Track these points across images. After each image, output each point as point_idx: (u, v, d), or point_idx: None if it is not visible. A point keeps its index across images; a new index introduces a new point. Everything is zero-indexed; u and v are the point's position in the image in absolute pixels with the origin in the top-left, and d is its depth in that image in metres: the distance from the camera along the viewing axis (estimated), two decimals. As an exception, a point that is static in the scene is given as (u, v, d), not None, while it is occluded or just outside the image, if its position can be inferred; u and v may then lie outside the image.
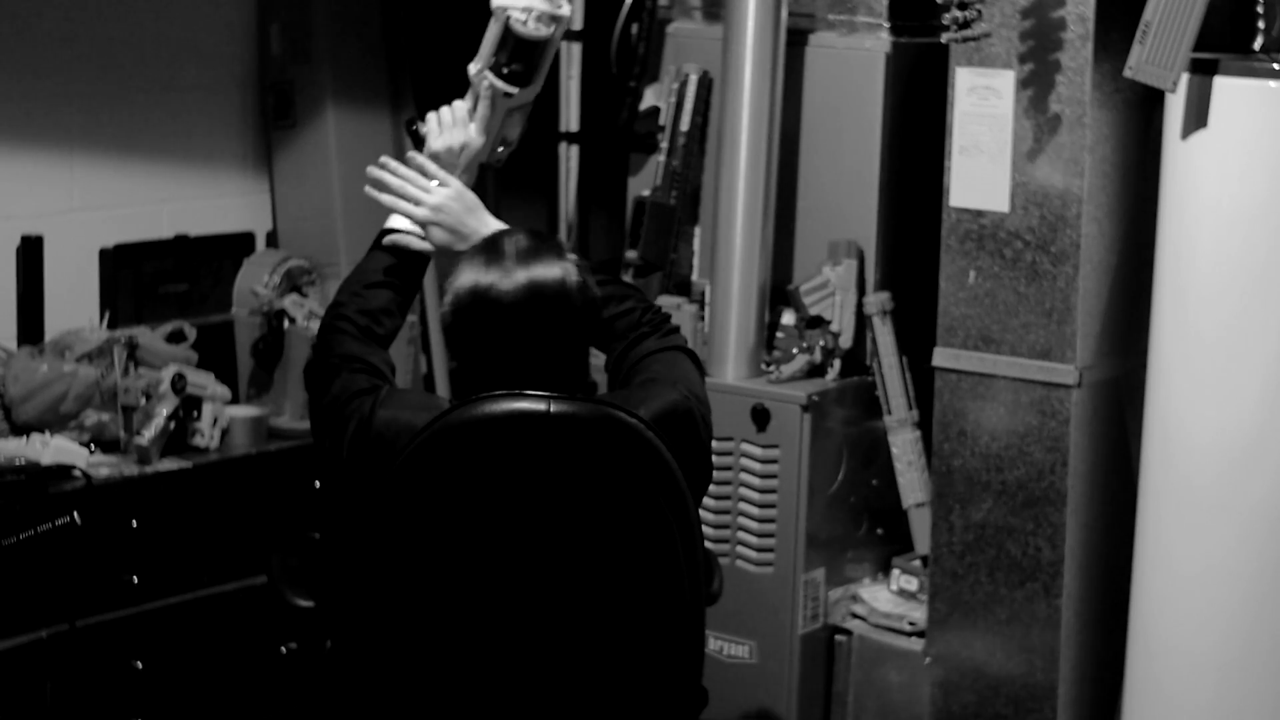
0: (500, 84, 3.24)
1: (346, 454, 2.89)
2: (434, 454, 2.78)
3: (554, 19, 3.21)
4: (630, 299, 3.20)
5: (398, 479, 2.79)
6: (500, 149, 3.30)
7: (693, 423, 2.94)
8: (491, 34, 3.24)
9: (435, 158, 3.21)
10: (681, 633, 2.91)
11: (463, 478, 2.79)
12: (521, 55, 3.24)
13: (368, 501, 2.85)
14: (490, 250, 2.90)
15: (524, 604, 2.82)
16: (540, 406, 2.79)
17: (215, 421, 4.06)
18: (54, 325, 4.15)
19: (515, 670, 2.84)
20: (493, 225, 3.15)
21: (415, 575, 2.82)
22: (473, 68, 3.26)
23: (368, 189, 3.20)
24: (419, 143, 3.22)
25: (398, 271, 3.15)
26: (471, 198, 3.18)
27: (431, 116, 3.24)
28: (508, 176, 3.47)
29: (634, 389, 3.02)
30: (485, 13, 3.30)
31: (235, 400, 4.21)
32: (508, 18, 3.20)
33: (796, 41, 4.18)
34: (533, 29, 3.20)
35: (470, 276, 2.87)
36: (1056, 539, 3.87)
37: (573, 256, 2.90)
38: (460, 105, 3.24)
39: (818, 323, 4.13)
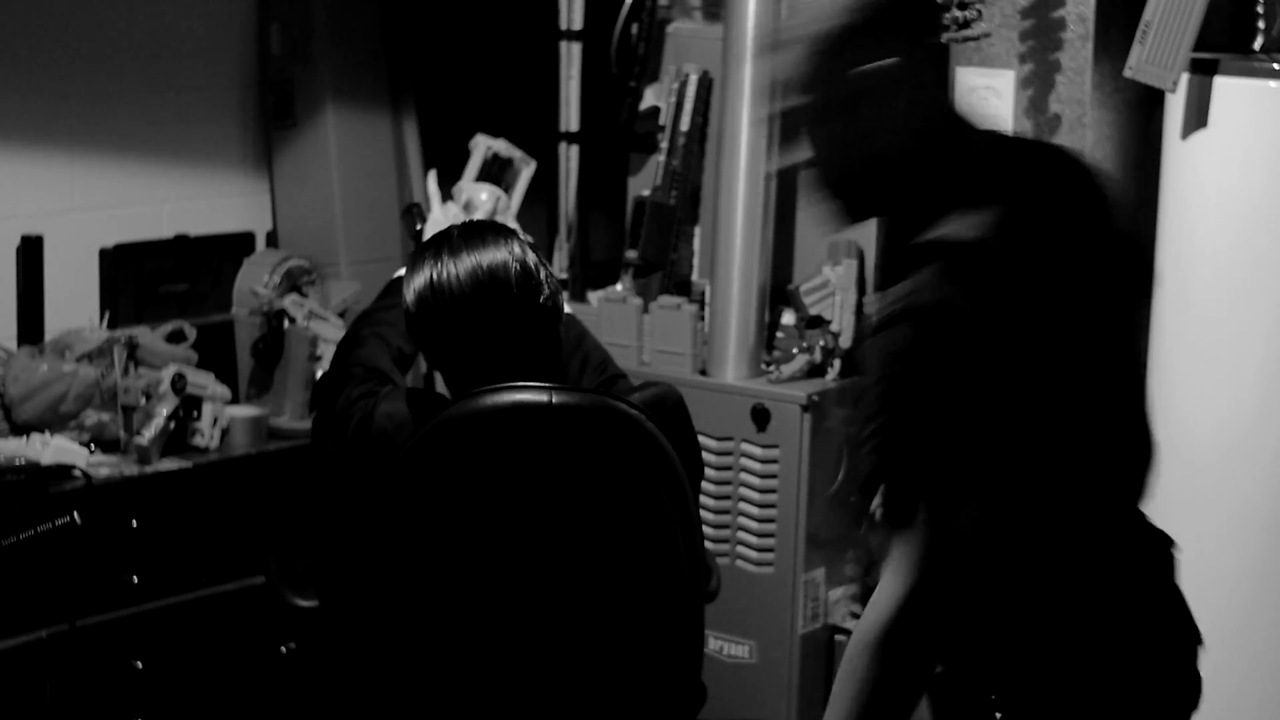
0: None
1: (349, 449, 2.89)
2: (436, 447, 2.78)
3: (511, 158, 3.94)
4: None
5: (400, 472, 2.79)
6: None
7: (684, 412, 2.94)
8: (474, 161, 3.89)
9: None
10: (682, 626, 2.91)
11: (464, 470, 2.79)
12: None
13: (370, 496, 2.86)
14: (438, 243, 2.92)
15: (525, 596, 2.82)
16: (541, 398, 2.79)
17: (215, 421, 4.06)
18: (54, 325, 4.15)
19: (516, 662, 2.84)
20: None
21: (417, 568, 2.82)
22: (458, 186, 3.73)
23: None
24: (414, 230, 3.54)
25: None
26: None
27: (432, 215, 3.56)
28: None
29: (615, 378, 3.05)
30: (484, 14, 3.32)
31: (235, 400, 4.21)
32: (487, 147, 3.87)
33: (796, 41, 4.18)
34: (505, 152, 3.91)
35: (422, 272, 2.88)
36: (1056, 539, 3.87)
37: (522, 239, 2.91)
38: (454, 209, 3.54)
39: (818, 323, 4.13)
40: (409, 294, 2.89)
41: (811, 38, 2.49)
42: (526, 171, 3.96)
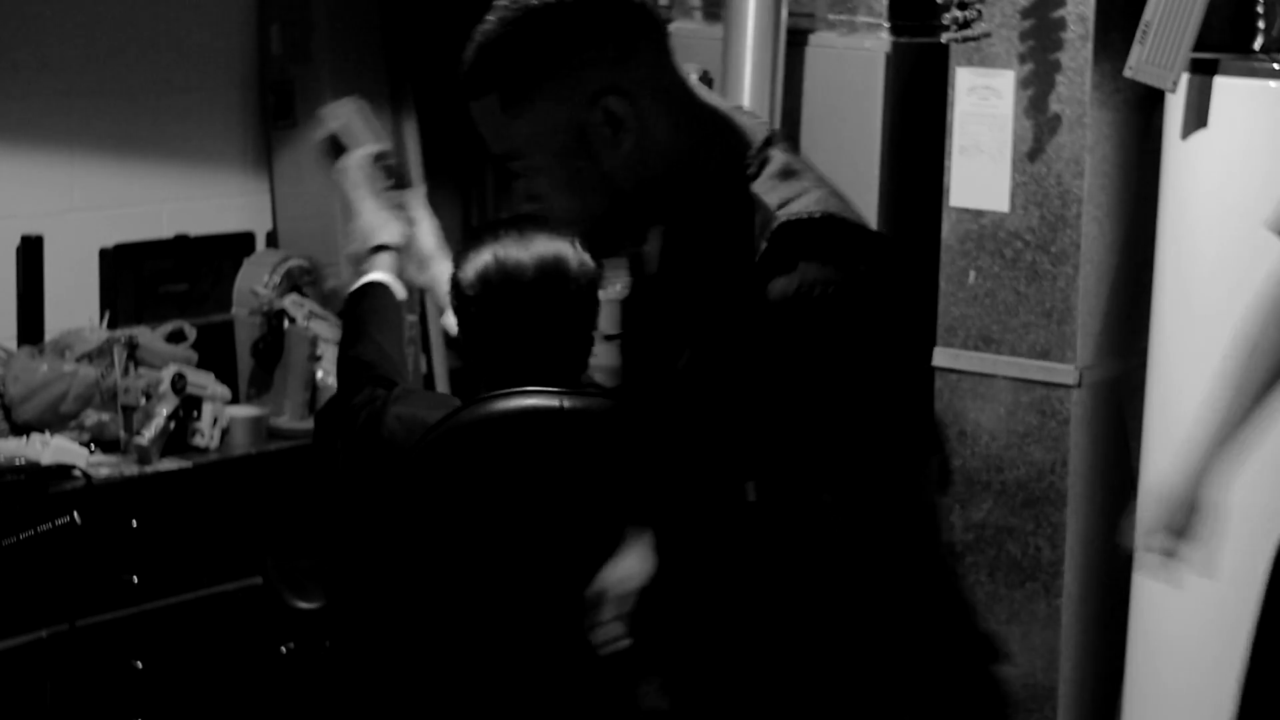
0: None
1: (357, 447, 2.89)
2: (447, 451, 2.78)
3: None
4: None
5: (411, 476, 2.79)
6: None
7: None
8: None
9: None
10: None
11: (476, 475, 2.79)
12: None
13: (380, 499, 2.85)
14: (493, 229, 2.92)
15: (534, 599, 2.83)
16: (553, 403, 2.79)
17: (215, 421, 4.06)
18: (54, 325, 4.15)
19: (525, 666, 2.84)
20: None
21: (427, 571, 2.82)
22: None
23: None
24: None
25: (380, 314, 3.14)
26: None
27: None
28: (508, 176, 3.48)
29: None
30: (484, 14, 3.32)
31: (235, 400, 4.20)
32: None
33: (796, 41, 4.18)
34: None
35: (481, 254, 2.87)
36: (1056, 539, 3.87)
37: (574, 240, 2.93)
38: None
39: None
40: (467, 274, 2.86)
41: (484, 94, 2.20)
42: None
